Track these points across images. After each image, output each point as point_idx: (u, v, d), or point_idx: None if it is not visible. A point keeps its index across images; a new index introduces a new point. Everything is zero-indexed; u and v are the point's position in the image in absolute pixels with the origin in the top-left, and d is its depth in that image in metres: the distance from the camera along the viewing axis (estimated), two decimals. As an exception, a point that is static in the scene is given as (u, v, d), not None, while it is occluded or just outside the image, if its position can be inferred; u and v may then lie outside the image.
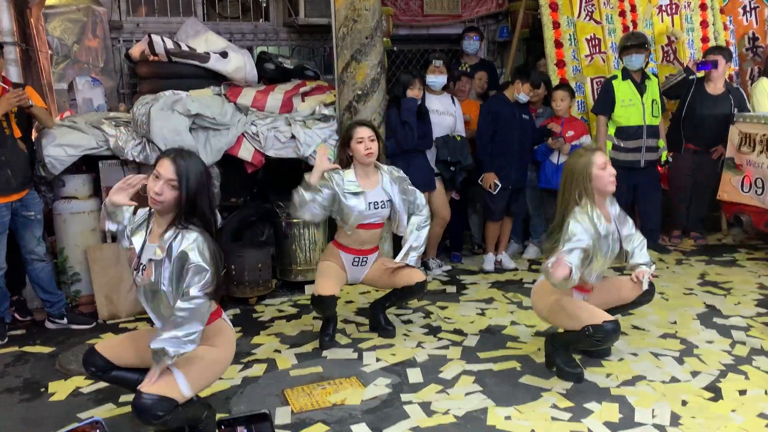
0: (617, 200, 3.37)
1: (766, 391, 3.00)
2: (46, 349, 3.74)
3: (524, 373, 3.26)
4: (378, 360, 3.46)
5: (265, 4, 5.99)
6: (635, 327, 3.83)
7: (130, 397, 2.86)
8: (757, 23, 6.31)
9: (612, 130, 5.25)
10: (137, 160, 4.28)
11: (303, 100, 4.93)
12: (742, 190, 5.15)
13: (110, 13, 5.48)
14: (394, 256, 4.43)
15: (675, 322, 3.90)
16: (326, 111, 4.77)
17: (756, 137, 5.03)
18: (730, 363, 3.33)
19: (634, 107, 5.18)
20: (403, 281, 3.67)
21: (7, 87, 3.85)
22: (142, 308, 2.59)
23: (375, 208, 3.59)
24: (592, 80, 5.82)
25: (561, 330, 3.27)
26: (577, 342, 3.13)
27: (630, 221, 3.41)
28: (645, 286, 3.28)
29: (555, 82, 5.65)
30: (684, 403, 2.91)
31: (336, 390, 3.11)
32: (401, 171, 3.76)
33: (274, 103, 4.82)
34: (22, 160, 3.89)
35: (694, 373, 3.21)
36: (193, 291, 2.36)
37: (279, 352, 3.61)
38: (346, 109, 4.65)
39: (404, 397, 3.03)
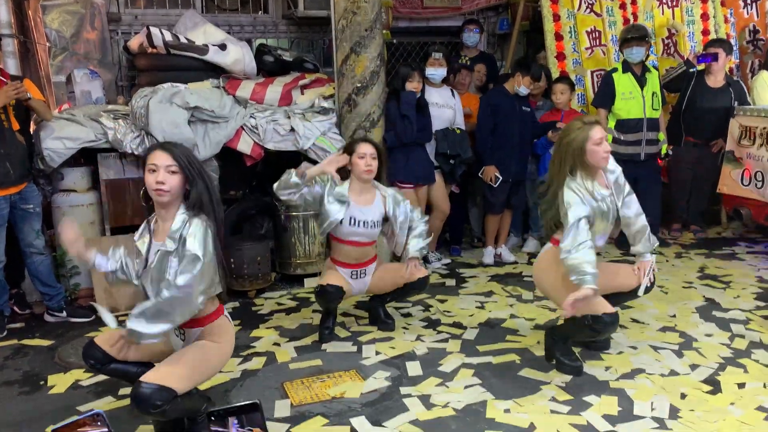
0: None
1: (764, 385, 3.01)
2: (46, 342, 3.75)
3: (523, 366, 3.26)
4: (377, 353, 3.46)
5: (263, -4, 5.98)
6: (634, 320, 3.83)
7: (129, 390, 2.86)
8: (758, 16, 6.29)
9: (612, 123, 5.23)
10: (136, 152, 4.26)
11: (302, 93, 4.92)
12: (742, 183, 5.15)
13: (108, 5, 5.45)
14: (393, 259, 4.45)
15: (674, 316, 3.90)
16: (325, 104, 4.76)
17: (756, 130, 5.02)
18: (729, 356, 3.33)
19: (635, 100, 5.16)
20: (406, 278, 3.67)
21: (5, 79, 3.83)
22: (141, 302, 2.57)
23: (364, 227, 3.56)
24: (592, 73, 5.80)
25: (560, 322, 3.27)
26: (575, 331, 3.12)
27: (634, 202, 3.29)
28: (641, 292, 3.28)
29: (555, 74, 5.64)
30: (683, 396, 2.91)
31: (335, 383, 3.11)
32: (407, 201, 3.71)
33: (273, 96, 4.81)
34: (20, 152, 3.88)
35: (693, 367, 3.21)
36: (181, 280, 2.33)
37: (278, 345, 3.61)
38: (345, 101, 4.63)
39: (403, 390, 3.03)
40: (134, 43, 5.02)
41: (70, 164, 4.32)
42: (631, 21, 5.85)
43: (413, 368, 3.26)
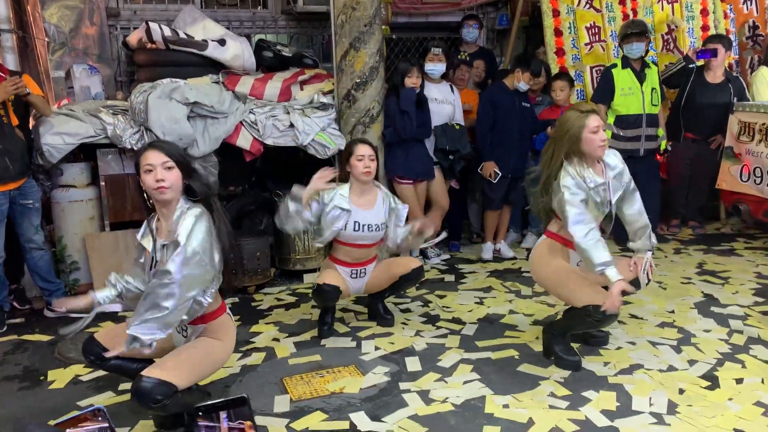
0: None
1: (762, 380, 3.02)
2: (45, 338, 3.75)
3: (522, 361, 3.27)
4: (377, 348, 3.47)
5: (263, -9, 5.97)
6: (633, 316, 3.84)
7: (129, 386, 2.86)
8: (757, 12, 6.28)
9: (611, 119, 5.23)
10: (135, 148, 4.26)
11: (301, 89, 4.92)
12: (741, 179, 5.16)
13: (107, 0, 5.44)
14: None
15: (673, 311, 3.91)
16: (325, 99, 4.75)
17: (755, 126, 5.03)
18: (727, 352, 3.34)
19: (634, 96, 5.16)
20: (401, 270, 3.68)
21: (4, 75, 3.83)
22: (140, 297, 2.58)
23: (369, 231, 3.56)
24: (591, 69, 5.80)
25: (559, 317, 3.28)
26: (575, 323, 3.13)
27: (637, 200, 3.30)
28: (642, 286, 3.28)
29: (555, 70, 5.64)
30: (681, 391, 2.92)
31: (335, 378, 3.12)
32: (397, 200, 3.73)
33: (273, 92, 4.80)
34: (19, 148, 3.88)
35: (692, 362, 3.22)
36: (170, 266, 2.31)
37: (278, 340, 3.62)
38: (344, 97, 4.63)
39: (403, 385, 3.04)
40: (133, 38, 5.01)
41: (70, 160, 4.32)
42: (631, 16, 5.84)
43: (412, 364, 3.27)
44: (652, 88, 5.21)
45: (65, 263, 4.30)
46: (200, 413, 2.48)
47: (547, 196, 3.15)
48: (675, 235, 5.68)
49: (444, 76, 5.06)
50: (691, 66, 5.51)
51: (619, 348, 3.40)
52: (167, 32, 4.79)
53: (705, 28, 6.06)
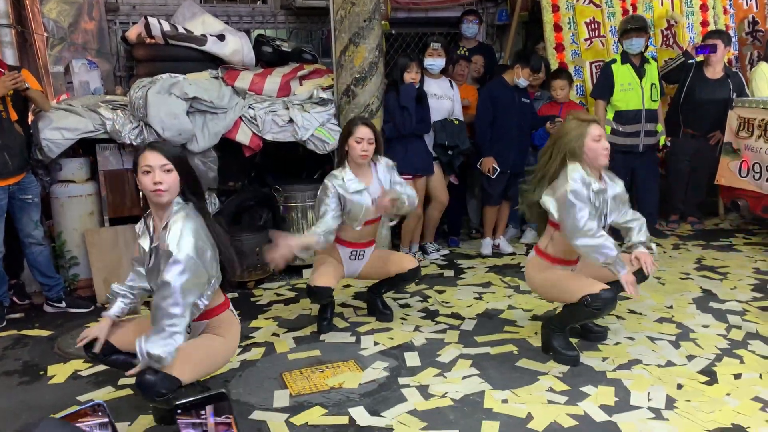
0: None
1: (760, 375, 3.03)
2: (45, 333, 3.76)
3: (521, 356, 3.28)
4: (376, 344, 3.47)
5: (262, -14, 5.96)
6: (631, 311, 3.85)
7: (129, 381, 2.89)
8: (757, 7, 6.28)
9: (611, 115, 5.23)
10: (134, 143, 4.26)
11: (301, 84, 4.91)
12: (740, 174, 5.16)
13: (106, -6, 5.44)
14: (392, 244, 4.43)
15: (671, 307, 3.92)
16: (324, 95, 4.75)
17: (754, 122, 5.03)
18: (725, 347, 3.35)
19: (633, 91, 5.16)
20: (396, 269, 3.69)
21: (2, 70, 3.82)
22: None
23: (374, 204, 3.57)
24: (591, 64, 5.80)
25: (558, 312, 3.29)
26: (574, 316, 3.13)
27: (629, 212, 3.33)
28: (648, 274, 3.28)
29: (554, 66, 5.63)
30: (679, 386, 2.93)
31: (334, 373, 3.13)
32: (390, 162, 3.72)
33: (272, 87, 4.80)
34: (18, 143, 3.87)
35: (690, 357, 3.23)
36: (167, 276, 2.32)
37: (277, 335, 3.63)
38: (344, 92, 4.63)
39: (402, 380, 3.05)
40: (132, 33, 5.00)
41: (69, 155, 4.32)
42: (630, 12, 5.84)
43: (411, 359, 3.27)
44: (652, 84, 5.22)
45: (65, 258, 4.30)
46: (179, 411, 2.47)
47: (539, 190, 3.15)
48: (674, 231, 5.69)
49: (443, 72, 5.06)
50: (690, 61, 5.50)
51: (617, 343, 3.41)
52: (166, 27, 4.78)
53: (704, 23, 6.06)
